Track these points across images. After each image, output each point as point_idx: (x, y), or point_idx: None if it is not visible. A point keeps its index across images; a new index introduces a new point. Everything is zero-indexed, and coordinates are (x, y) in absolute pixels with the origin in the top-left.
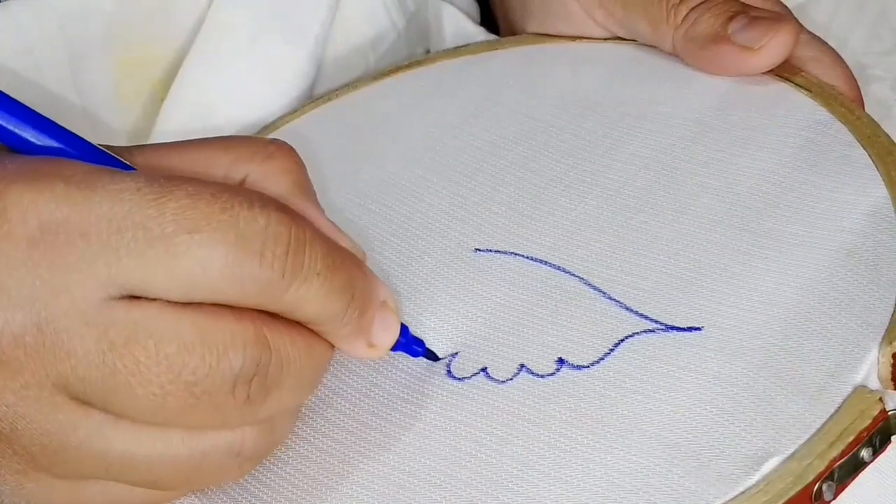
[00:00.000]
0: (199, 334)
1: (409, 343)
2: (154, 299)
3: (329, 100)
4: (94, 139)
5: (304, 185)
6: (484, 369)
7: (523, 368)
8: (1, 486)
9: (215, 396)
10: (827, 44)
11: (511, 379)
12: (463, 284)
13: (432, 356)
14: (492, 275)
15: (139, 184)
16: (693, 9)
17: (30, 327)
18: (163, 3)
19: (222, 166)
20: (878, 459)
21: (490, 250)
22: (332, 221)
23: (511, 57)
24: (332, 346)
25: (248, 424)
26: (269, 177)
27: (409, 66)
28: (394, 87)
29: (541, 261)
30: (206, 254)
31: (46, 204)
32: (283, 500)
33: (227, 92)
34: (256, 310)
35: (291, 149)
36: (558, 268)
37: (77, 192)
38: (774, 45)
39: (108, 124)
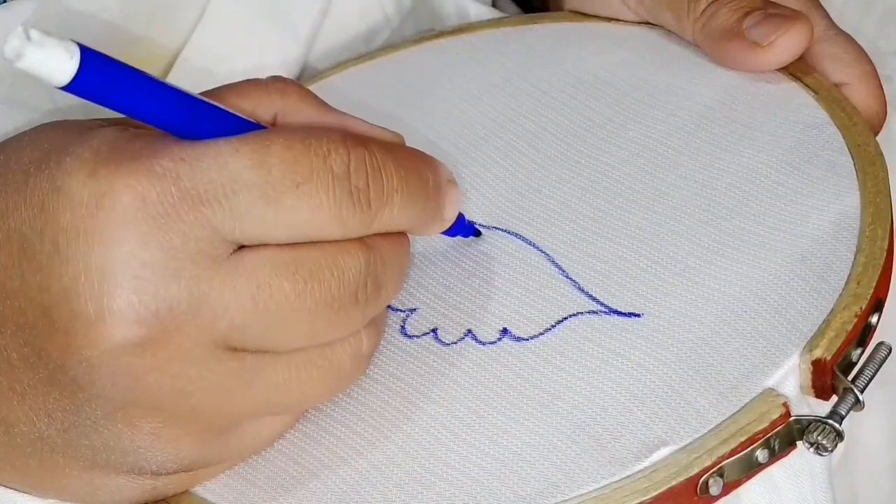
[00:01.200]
0: (322, 254)
1: (465, 227)
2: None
3: (371, 58)
4: None
5: (322, 103)
6: (434, 330)
7: (469, 334)
8: (156, 454)
9: (347, 305)
10: (852, 40)
11: (455, 343)
12: (437, 247)
13: (477, 232)
14: (466, 242)
15: (235, 145)
16: (713, 2)
17: (183, 296)
18: (166, 2)
19: (247, 112)
20: (779, 462)
21: (473, 221)
22: (365, 121)
23: (545, 32)
24: (408, 237)
25: (364, 326)
26: (295, 108)
27: (452, 32)
28: (430, 52)
29: (515, 234)
30: (315, 203)
31: (160, 180)
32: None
33: (220, 84)
34: None
35: (294, 80)
36: (529, 242)
37: (183, 164)
38: (783, 43)
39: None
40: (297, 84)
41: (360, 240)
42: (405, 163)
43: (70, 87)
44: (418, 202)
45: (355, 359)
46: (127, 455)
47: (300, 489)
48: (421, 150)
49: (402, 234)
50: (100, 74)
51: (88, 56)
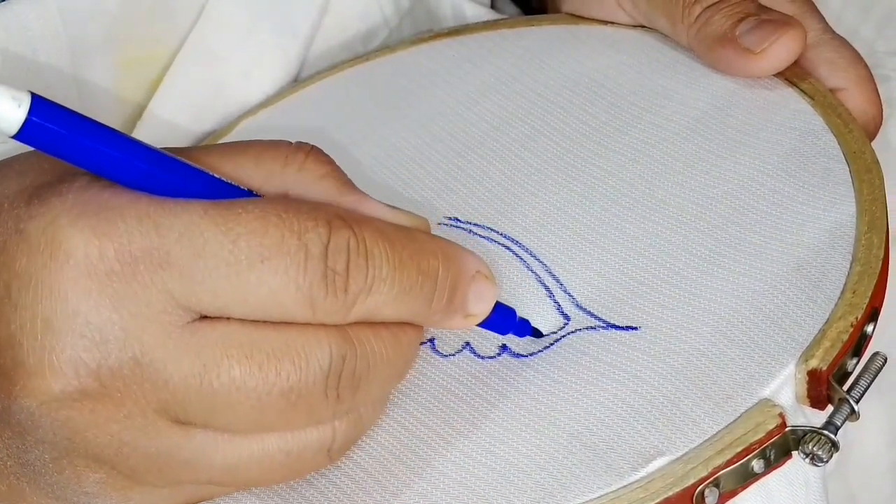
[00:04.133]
0: (285, 340)
1: (516, 325)
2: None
3: (367, 59)
4: None
5: (345, 182)
6: (431, 340)
7: (467, 346)
8: (106, 501)
9: (308, 398)
10: (848, 45)
11: (453, 354)
12: None
13: (538, 333)
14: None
15: (204, 207)
16: (707, 8)
17: (126, 361)
18: (164, 3)
19: (255, 183)
20: (776, 472)
21: (470, 223)
22: (387, 205)
23: (542, 34)
24: (421, 328)
25: (338, 419)
26: (309, 185)
27: (449, 33)
28: (427, 53)
29: (512, 239)
30: (279, 282)
31: (120, 237)
32: None
33: (216, 86)
34: None
35: (318, 149)
36: (526, 249)
37: (147, 222)
38: (776, 50)
39: (108, 122)
40: (319, 159)
41: (340, 330)
42: (406, 251)
43: (19, 137)
44: (418, 294)
45: (321, 451)
46: (79, 497)
47: (294, 495)
48: (454, 242)
49: (404, 330)
50: (52, 126)
51: (40, 107)
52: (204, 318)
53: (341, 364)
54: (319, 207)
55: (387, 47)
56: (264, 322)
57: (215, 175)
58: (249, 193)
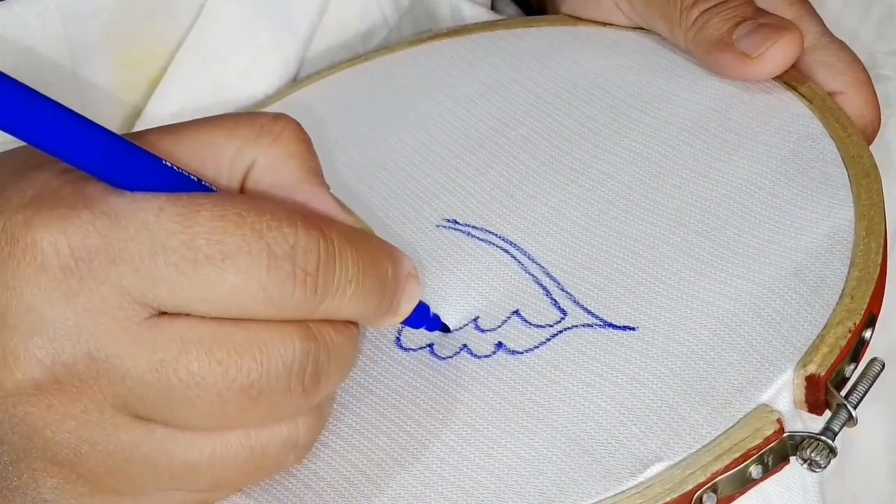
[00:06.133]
0: (247, 335)
1: (430, 320)
2: None
3: (366, 59)
4: None
5: (312, 166)
6: (430, 345)
7: (464, 348)
8: None
9: (271, 394)
10: (846, 48)
11: (451, 356)
12: (435, 256)
13: (446, 329)
14: (464, 250)
15: (161, 203)
16: (704, 12)
17: (81, 356)
18: (164, 2)
19: (228, 154)
20: (774, 477)
21: (468, 225)
22: (339, 201)
23: (540, 35)
24: (359, 325)
25: (301, 414)
26: (278, 163)
27: (447, 34)
28: (426, 53)
29: (510, 241)
30: (240, 281)
31: (75, 233)
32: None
33: (215, 85)
34: None
35: (296, 125)
36: (524, 252)
37: (104, 218)
38: (773, 55)
39: (107, 122)
40: (295, 132)
41: (303, 325)
42: (366, 253)
43: None
44: (373, 295)
45: (285, 448)
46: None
47: (292, 498)
48: (386, 241)
49: (352, 324)
50: (5, 103)
51: None
52: (163, 314)
53: (306, 359)
54: (281, 207)
55: (385, 47)
56: (225, 319)
57: (172, 165)
58: (208, 188)
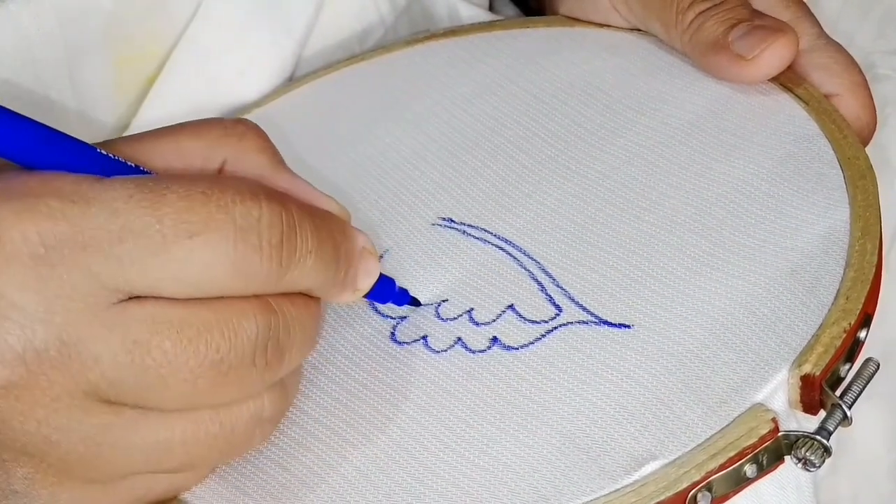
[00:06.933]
0: (214, 313)
1: (396, 294)
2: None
3: (363, 59)
4: (90, 137)
5: (279, 160)
6: (424, 337)
7: (459, 342)
8: (34, 501)
9: (239, 369)
10: (842, 50)
11: (446, 350)
12: (430, 254)
13: (416, 302)
14: (459, 248)
15: (129, 190)
16: (700, 14)
17: (52, 341)
18: (160, 1)
19: (198, 154)
20: (768, 476)
21: (464, 223)
22: (313, 186)
23: (538, 36)
24: (320, 300)
25: (266, 390)
26: (246, 157)
27: (444, 34)
28: (423, 53)
29: (506, 240)
30: (210, 256)
31: (44, 221)
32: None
33: (211, 84)
34: None
35: (258, 126)
36: (520, 249)
37: (71, 205)
38: (768, 57)
39: (103, 122)
40: (258, 132)
41: (263, 301)
42: (323, 227)
43: None
44: (330, 267)
45: (253, 423)
46: (8, 497)
47: (289, 496)
48: (342, 218)
49: (312, 299)
50: None
51: None
52: (132, 298)
53: (268, 333)
54: (244, 182)
55: (382, 47)
56: (191, 300)
57: (130, 163)
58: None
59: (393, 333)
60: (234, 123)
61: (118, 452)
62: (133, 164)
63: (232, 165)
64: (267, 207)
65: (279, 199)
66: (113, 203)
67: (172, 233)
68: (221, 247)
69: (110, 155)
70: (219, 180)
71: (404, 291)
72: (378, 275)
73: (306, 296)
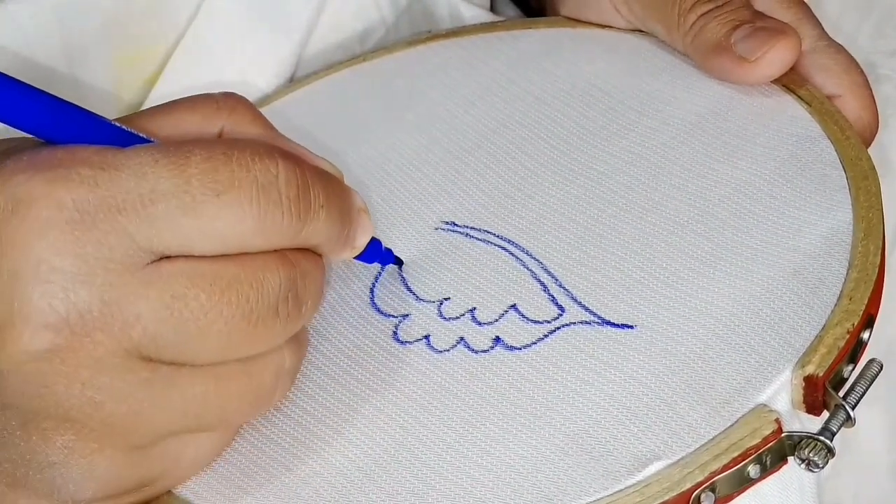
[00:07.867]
0: (241, 267)
1: (382, 254)
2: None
3: (364, 60)
4: None
5: (272, 126)
6: (427, 337)
7: (461, 341)
8: (71, 471)
9: (266, 320)
10: (844, 51)
11: (448, 350)
12: (429, 254)
13: (399, 262)
14: (462, 251)
15: (154, 155)
16: (702, 15)
17: (95, 302)
18: (160, 1)
19: (194, 127)
20: (771, 477)
21: (467, 226)
22: (307, 148)
23: (540, 37)
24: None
25: (286, 341)
26: (241, 127)
27: (446, 35)
28: (424, 54)
29: (509, 240)
30: (237, 213)
31: (77, 188)
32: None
33: (211, 84)
34: None
35: (246, 99)
36: (523, 249)
37: (102, 172)
38: (770, 58)
39: None
40: (248, 104)
41: (282, 254)
42: (329, 183)
43: None
44: (338, 221)
45: (277, 375)
46: (43, 470)
47: (291, 495)
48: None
49: (316, 254)
50: None
51: None
52: (163, 258)
53: (289, 285)
54: (257, 142)
55: (383, 48)
56: (219, 256)
57: (143, 135)
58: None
59: (395, 333)
60: (225, 97)
61: (157, 411)
62: (145, 136)
63: (229, 134)
64: (283, 165)
65: (292, 157)
66: (141, 168)
67: (200, 192)
68: (247, 203)
69: (124, 127)
70: (236, 142)
71: (389, 251)
72: (373, 232)
73: (313, 252)
